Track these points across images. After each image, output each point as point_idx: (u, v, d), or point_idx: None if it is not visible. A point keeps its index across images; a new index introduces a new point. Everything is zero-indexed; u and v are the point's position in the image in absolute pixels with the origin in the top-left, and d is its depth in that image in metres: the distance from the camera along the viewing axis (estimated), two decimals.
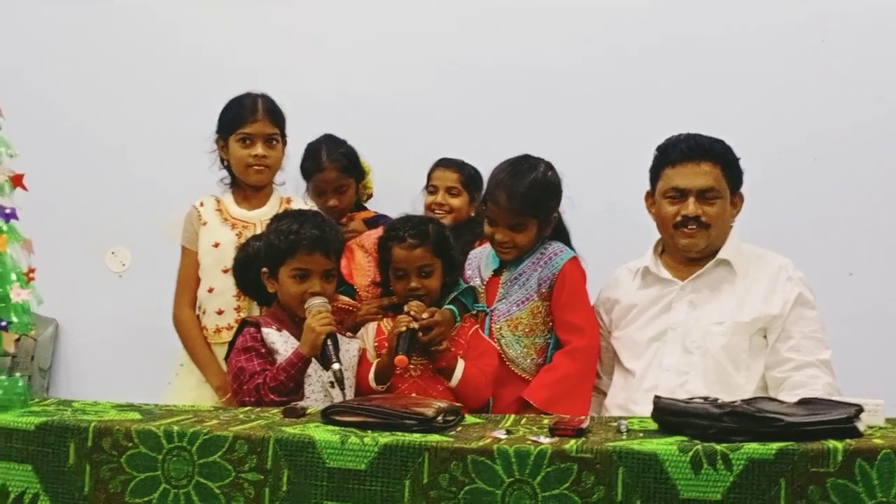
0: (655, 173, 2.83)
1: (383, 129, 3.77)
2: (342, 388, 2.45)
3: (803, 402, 2.04)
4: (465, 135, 3.71)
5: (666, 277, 2.82)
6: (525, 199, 2.77)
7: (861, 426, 1.88)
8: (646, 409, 2.14)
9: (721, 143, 2.78)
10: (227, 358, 2.62)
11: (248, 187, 3.07)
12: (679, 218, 2.75)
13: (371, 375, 2.64)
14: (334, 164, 3.25)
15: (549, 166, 2.86)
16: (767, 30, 3.78)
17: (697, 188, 2.73)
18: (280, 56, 3.92)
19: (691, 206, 2.73)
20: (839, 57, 3.75)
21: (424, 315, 2.63)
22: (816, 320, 2.72)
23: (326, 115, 3.59)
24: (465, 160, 3.42)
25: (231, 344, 2.62)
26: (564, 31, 3.87)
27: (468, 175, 3.40)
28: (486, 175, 2.94)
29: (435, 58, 3.89)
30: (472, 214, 3.39)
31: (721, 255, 2.77)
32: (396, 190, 3.41)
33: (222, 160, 3.09)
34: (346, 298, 2.92)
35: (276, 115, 3.05)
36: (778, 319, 2.69)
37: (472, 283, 2.89)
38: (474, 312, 2.84)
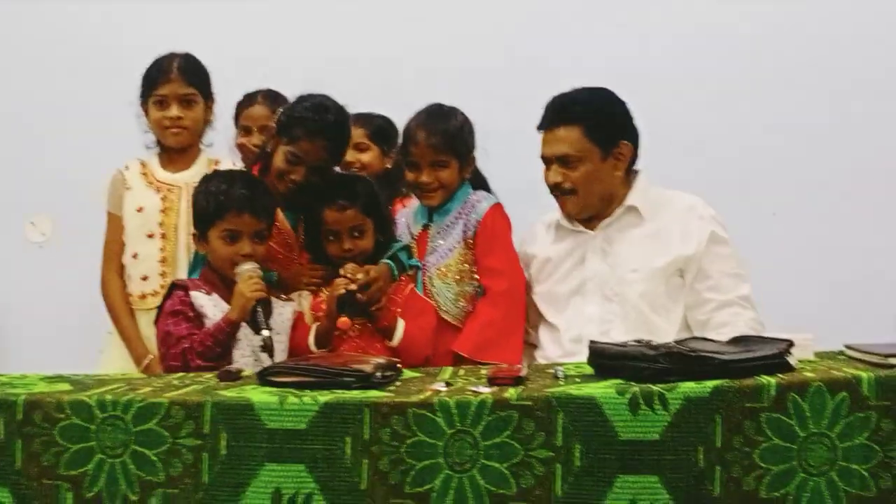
0: None
1: None
2: (271, 355, 2.41)
3: (735, 340, 2.09)
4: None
5: (577, 229, 2.81)
6: (445, 134, 2.80)
7: (792, 361, 1.92)
8: (577, 360, 2.16)
9: (582, 101, 2.73)
10: (156, 321, 2.58)
11: (172, 150, 3.00)
12: (548, 184, 2.77)
13: (311, 340, 2.62)
14: (265, 100, 3.18)
15: (462, 112, 2.89)
16: None
17: (554, 156, 2.72)
18: (222, 22, 3.83)
19: (551, 175, 2.74)
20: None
21: (359, 275, 2.60)
22: (732, 256, 2.73)
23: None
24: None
25: (160, 307, 2.57)
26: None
27: (376, 127, 3.33)
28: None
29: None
30: (388, 167, 3.34)
31: (628, 201, 2.77)
32: None
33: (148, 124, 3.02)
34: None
35: (192, 74, 2.96)
36: (693, 260, 2.69)
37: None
38: (410, 271, 2.82)
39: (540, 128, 2.77)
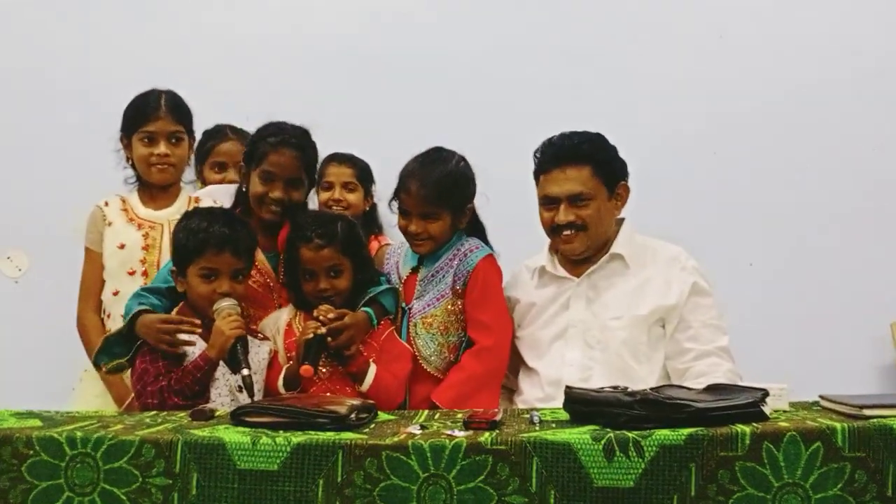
0: (535, 179, 2.82)
1: None
2: (251, 395, 2.38)
3: (710, 388, 2.09)
4: (380, 131, 3.68)
5: (562, 275, 2.82)
6: (436, 187, 2.74)
7: (767, 410, 1.93)
8: (555, 405, 2.15)
9: (589, 141, 2.76)
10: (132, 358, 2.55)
11: (154, 186, 3.00)
12: (554, 224, 2.76)
13: (280, 382, 2.58)
14: (236, 135, 3.25)
15: (462, 158, 2.83)
16: (667, 26, 3.87)
17: (566, 195, 2.72)
18: (190, 54, 3.85)
19: (562, 214, 2.73)
20: (737, 53, 3.85)
21: (331, 315, 2.58)
22: (712, 307, 2.74)
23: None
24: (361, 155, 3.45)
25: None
26: (467, 22, 3.90)
27: (361, 169, 3.44)
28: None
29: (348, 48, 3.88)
30: (367, 209, 3.43)
31: (614, 249, 2.78)
32: None
33: (128, 159, 3.01)
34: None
35: (179, 112, 2.97)
36: (675, 310, 2.70)
37: (391, 282, 2.84)
38: (392, 315, 2.78)
39: (546, 168, 2.76)
